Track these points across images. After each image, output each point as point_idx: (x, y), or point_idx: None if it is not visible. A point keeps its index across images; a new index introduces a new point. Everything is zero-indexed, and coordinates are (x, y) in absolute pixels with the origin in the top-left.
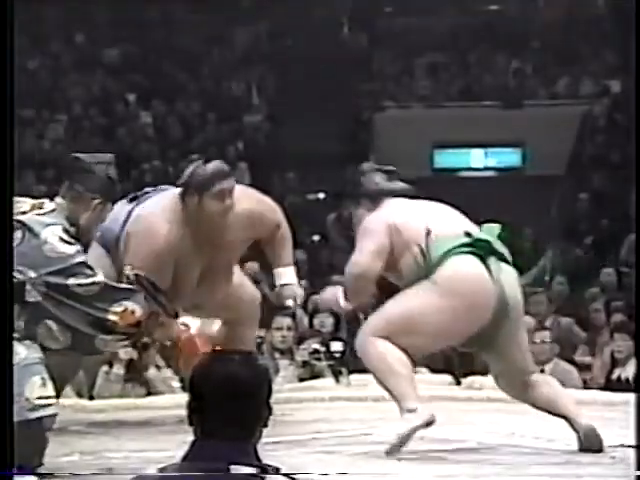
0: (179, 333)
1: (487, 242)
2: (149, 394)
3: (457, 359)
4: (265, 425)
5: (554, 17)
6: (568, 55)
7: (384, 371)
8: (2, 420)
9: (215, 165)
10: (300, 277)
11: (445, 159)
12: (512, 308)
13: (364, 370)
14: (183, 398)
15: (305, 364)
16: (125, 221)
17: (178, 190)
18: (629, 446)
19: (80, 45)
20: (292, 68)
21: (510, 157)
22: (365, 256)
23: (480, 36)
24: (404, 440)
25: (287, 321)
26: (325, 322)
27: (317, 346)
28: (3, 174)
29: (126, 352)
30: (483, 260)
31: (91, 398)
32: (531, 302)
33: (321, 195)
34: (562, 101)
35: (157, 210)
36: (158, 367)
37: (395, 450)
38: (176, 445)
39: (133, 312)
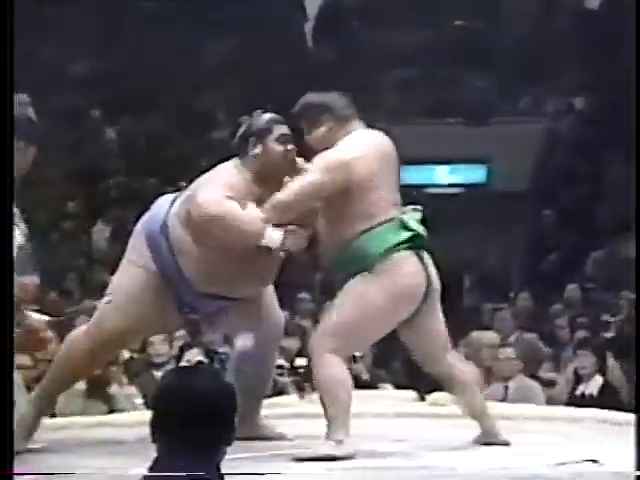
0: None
1: (422, 237)
2: (111, 411)
3: (422, 375)
4: (229, 443)
5: (519, 34)
6: (533, 72)
7: (328, 395)
8: (2, 420)
9: (270, 114)
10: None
11: (410, 175)
12: (433, 289)
13: None
14: (146, 415)
15: None
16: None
17: (233, 160)
18: (592, 461)
19: (46, 59)
20: (260, 83)
21: (475, 173)
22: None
23: (446, 52)
24: (314, 459)
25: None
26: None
27: (281, 362)
28: (3, 175)
29: None
30: (420, 257)
31: (52, 416)
32: (496, 318)
33: None
34: (527, 118)
35: (219, 171)
36: (120, 384)
37: (300, 459)
38: (138, 463)
39: (29, 289)
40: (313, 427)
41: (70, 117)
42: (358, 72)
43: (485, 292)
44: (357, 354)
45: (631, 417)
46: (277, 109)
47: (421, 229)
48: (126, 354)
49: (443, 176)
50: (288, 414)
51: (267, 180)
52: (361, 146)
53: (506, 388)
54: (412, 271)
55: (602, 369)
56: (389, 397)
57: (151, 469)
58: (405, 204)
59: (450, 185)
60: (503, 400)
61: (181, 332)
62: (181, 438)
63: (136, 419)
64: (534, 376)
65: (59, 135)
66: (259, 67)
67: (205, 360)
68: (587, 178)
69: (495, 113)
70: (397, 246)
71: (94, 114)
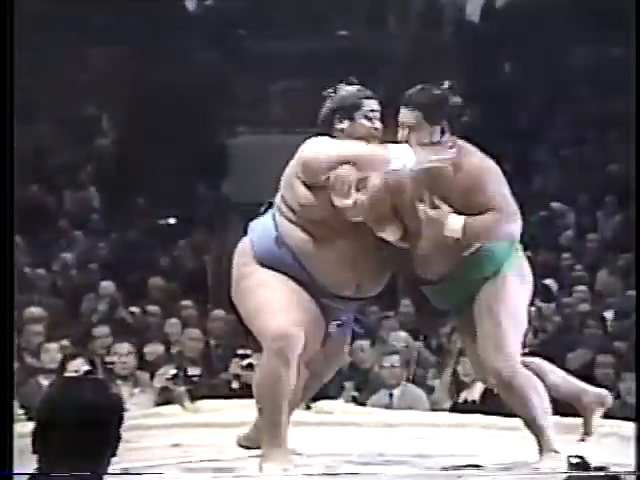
0: None
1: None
2: None
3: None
4: (114, 454)
5: (404, 43)
6: (419, 81)
7: (532, 402)
8: (2, 420)
9: (357, 87)
10: (154, 303)
11: None
12: None
13: (214, 396)
14: (26, 426)
15: (163, 390)
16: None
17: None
18: (476, 466)
19: None
20: (145, 91)
21: None
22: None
23: (333, 62)
24: None
25: (126, 346)
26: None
27: (175, 371)
28: (3, 174)
29: None
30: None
31: None
32: (383, 327)
33: (172, 220)
34: None
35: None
36: None
37: None
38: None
39: None
40: (198, 436)
41: None
42: (246, 82)
43: (372, 300)
44: (254, 362)
45: (514, 422)
46: (163, 118)
47: None
48: None
49: None
50: (173, 424)
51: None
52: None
53: (391, 395)
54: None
55: None
56: None
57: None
58: None
59: None
60: (388, 407)
61: (64, 341)
62: (64, 449)
63: (16, 431)
64: (421, 384)
65: None
66: (145, 75)
67: (91, 370)
68: None
69: (383, 121)
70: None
71: None
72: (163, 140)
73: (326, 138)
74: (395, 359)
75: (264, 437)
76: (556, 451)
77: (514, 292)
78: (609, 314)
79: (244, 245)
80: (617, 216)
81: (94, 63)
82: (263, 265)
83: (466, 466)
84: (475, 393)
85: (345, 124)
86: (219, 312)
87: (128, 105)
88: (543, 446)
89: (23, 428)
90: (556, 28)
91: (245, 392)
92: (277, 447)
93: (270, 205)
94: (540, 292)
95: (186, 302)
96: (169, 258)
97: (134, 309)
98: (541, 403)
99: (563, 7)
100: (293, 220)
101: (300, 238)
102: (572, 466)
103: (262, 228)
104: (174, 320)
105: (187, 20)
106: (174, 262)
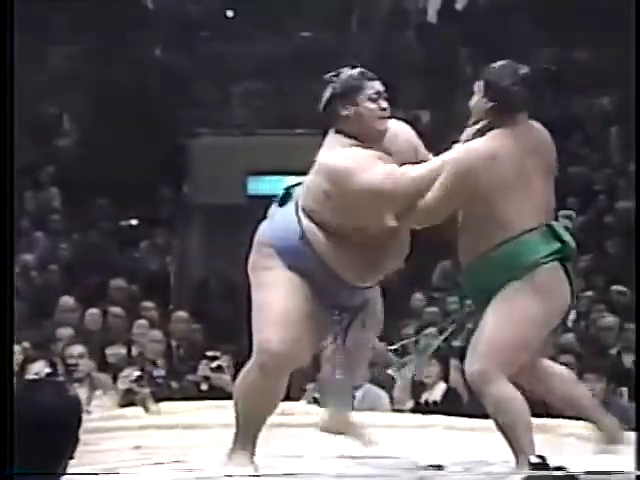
0: None
1: (571, 248)
2: None
3: None
4: (71, 457)
5: (365, 46)
6: (383, 84)
7: (509, 415)
8: (2, 420)
9: (359, 69)
10: (115, 304)
11: (260, 186)
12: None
13: (175, 398)
14: None
15: (128, 392)
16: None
17: (332, 133)
18: (437, 467)
19: None
20: (106, 92)
21: None
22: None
23: (295, 63)
24: None
25: (78, 348)
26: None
27: (139, 373)
28: (3, 174)
29: None
30: (567, 270)
31: None
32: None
33: (134, 221)
34: None
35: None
36: None
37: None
38: None
39: None
40: (160, 438)
41: None
42: (207, 83)
43: None
44: (223, 364)
45: (475, 423)
46: (125, 119)
47: (570, 239)
48: None
49: None
50: (134, 426)
51: (364, 145)
52: (499, 144)
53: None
54: (563, 288)
55: (446, 376)
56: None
57: None
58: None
59: None
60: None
61: (25, 344)
62: (21, 452)
63: None
64: (383, 385)
65: None
66: (106, 75)
67: (52, 372)
68: None
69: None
70: (547, 257)
71: None
72: (124, 141)
73: (353, 149)
74: None
75: (233, 438)
76: (530, 462)
77: (520, 304)
78: (571, 315)
79: (264, 233)
80: (579, 218)
81: (53, 63)
82: (281, 259)
83: (427, 467)
84: (436, 394)
85: (350, 110)
86: (181, 313)
87: (89, 105)
88: (517, 453)
89: None
90: (519, 30)
91: (213, 394)
92: (243, 450)
93: (287, 193)
94: None
95: (148, 304)
96: (131, 259)
97: (95, 310)
98: (525, 413)
99: (525, 9)
100: (324, 227)
101: (328, 242)
102: (531, 466)
103: (284, 221)
104: (142, 322)
105: (148, 20)
106: (136, 263)
